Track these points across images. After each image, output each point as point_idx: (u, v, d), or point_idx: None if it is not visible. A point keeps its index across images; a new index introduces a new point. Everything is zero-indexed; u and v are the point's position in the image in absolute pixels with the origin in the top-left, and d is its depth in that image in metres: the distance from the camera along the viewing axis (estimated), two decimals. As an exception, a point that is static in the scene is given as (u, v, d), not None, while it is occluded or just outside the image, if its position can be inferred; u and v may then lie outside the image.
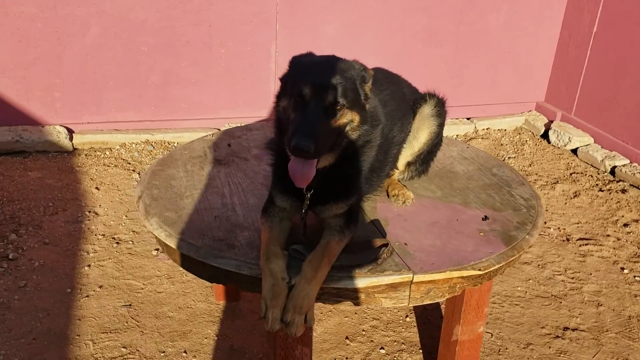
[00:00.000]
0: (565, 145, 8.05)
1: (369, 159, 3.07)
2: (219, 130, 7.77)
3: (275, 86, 7.88)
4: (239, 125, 7.71)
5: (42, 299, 4.72)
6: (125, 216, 5.96)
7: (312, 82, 2.72)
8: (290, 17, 7.43)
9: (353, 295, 2.82)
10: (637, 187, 6.93)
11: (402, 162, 3.64)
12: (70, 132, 7.29)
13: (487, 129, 8.58)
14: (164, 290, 4.94)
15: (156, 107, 7.68)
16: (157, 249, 5.38)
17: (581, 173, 7.44)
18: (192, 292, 4.95)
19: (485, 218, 3.38)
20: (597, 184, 7.13)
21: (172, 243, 3.08)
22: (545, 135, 8.40)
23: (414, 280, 2.83)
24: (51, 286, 4.88)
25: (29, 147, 6.96)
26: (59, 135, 7.08)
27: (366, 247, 2.96)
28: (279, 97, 2.97)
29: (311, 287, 2.69)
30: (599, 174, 7.42)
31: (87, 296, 4.79)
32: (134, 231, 5.72)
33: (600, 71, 7.90)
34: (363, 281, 2.79)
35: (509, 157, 7.68)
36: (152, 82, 7.55)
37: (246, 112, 7.96)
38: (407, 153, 3.67)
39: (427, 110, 3.62)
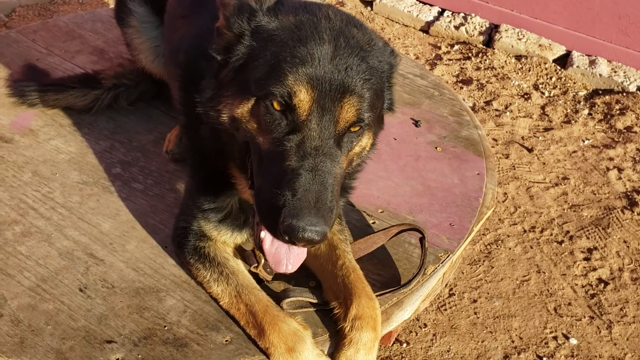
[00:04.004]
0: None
1: None
2: None
3: None
4: None
5: None
6: None
7: (317, 80, 1.43)
8: None
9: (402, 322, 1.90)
10: None
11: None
12: None
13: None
14: None
15: None
16: None
17: None
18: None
19: (417, 123, 2.59)
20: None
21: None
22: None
23: (455, 260, 2.02)
24: None
25: None
26: None
27: (377, 240, 1.96)
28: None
29: (372, 355, 1.69)
30: None
31: None
32: None
33: None
34: (416, 300, 1.87)
35: None
36: None
37: None
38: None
39: None
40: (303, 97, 1.44)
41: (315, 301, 1.77)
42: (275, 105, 1.47)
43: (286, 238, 1.41)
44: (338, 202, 1.52)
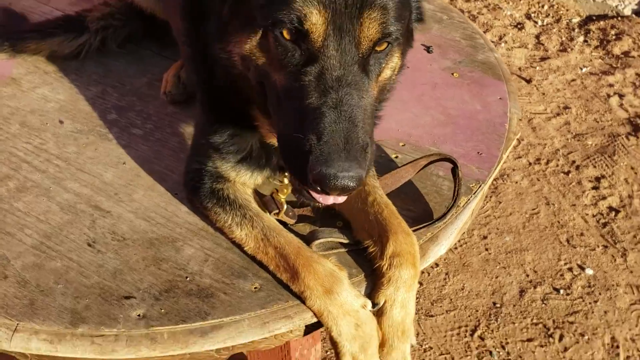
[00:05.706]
0: None
1: None
2: None
3: None
4: None
5: None
6: None
7: None
8: None
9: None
10: None
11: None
12: None
13: None
14: None
15: None
16: None
17: None
18: None
19: (429, 49, 2.43)
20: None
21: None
22: None
23: (486, 191, 1.91)
24: None
25: None
26: None
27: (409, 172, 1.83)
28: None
29: (412, 293, 1.57)
30: None
31: None
32: None
33: None
34: (450, 235, 1.75)
35: None
36: None
37: None
38: None
39: None
40: (315, 20, 1.24)
41: (346, 241, 1.64)
42: (285, 34, 1.28)
43: (318, 189, 1.26)
44: (372, 139, 1.36)
